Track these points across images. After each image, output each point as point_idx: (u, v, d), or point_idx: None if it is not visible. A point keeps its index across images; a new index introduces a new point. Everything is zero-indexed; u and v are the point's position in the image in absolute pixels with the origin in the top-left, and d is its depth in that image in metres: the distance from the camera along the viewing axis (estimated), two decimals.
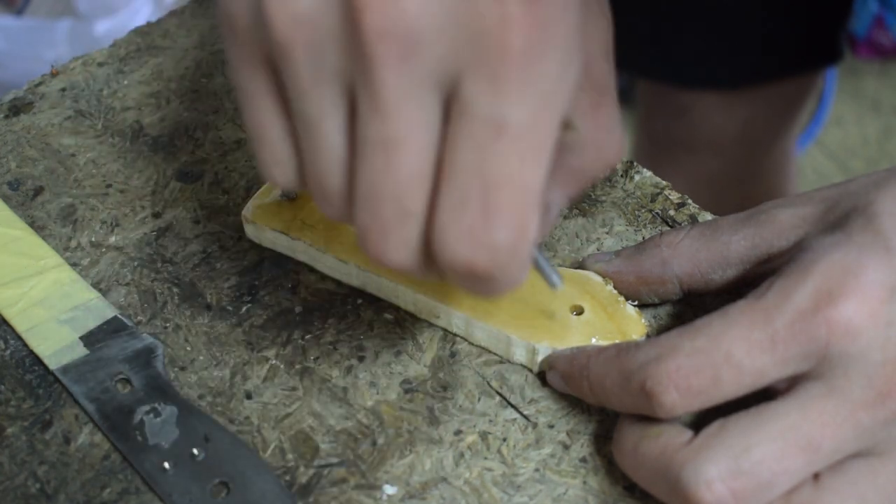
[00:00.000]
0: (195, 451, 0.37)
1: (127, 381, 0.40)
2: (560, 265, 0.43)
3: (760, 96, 0.86)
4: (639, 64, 0.87)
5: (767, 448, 0.31)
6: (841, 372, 0.32)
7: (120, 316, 0.42)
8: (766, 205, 0.38)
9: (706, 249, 0.38)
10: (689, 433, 0.34)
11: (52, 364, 0.40)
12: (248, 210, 0.44)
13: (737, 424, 0.32)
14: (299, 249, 0.43)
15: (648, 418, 0.35)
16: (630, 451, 0.35)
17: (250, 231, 0.44)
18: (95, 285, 0.43)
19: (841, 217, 0.35)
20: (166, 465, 0.37)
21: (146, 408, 0.39)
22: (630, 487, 0.36)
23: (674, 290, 0.40)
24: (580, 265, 0.41)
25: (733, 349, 0.32)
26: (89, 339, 0.41)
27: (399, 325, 0.41)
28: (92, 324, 0.41)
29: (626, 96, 1.56)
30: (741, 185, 0.93)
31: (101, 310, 0.42)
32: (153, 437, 0.38)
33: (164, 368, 0.40)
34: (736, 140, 0.89)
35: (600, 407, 0.38)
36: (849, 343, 0.31)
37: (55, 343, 0.41)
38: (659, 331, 0.41)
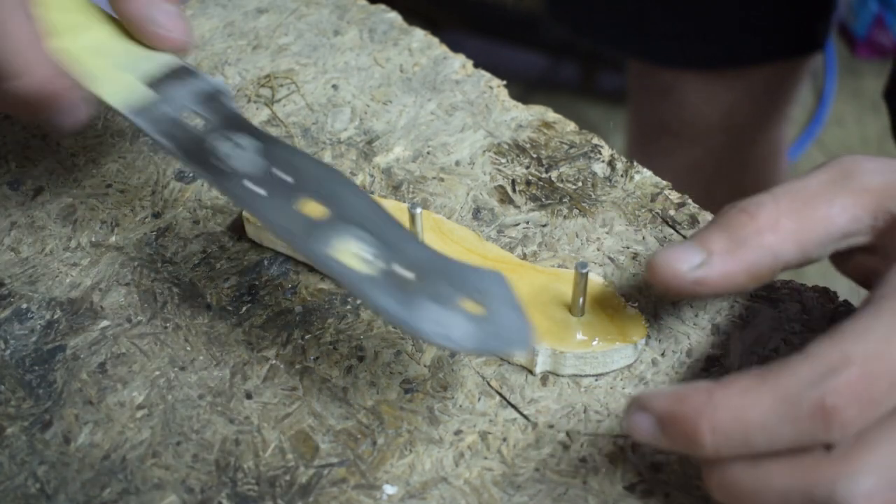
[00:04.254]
0: (284, 176, 0.37)
1: (201, 117, 0.39)
2: (560, 265, 0.43)
3: (741, 82, 0.86)
4: (621, 40, 0.88)
5: None
6: None
7: (182, 62, 0.41)
8: (843, 164, 0.35)
9: (809, 230, 0.34)
10: (816, 448, 0.31)
11: (122, 107, 0.39)
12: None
13: (879, 433, 0.30)
14: None
15: None
16: (744, 474, 0.31)
17: (251, 231, 0.44)
18: (95, 285, 0.43)
19: None
20: (258, 189, 0.37)
21: (227, 140, 0.39)
22: (630, 487, 0.36)
23: (775, 276, 0.36)
24: (654, 274, 0.35)
25: None
26: (154, 83, 0.40)
27: None
28: (154, 69, 0.41)
29: (621, 97, 1.56)
30: (729, 175, 0.93)
31: (160, 56, 0.41)
32: (240, 167, 0.38)
33: (236, 107, 0.40)
34: (720, 127, 0.89)
35: (594, 405, 0.38)
36: None
37: (120, 88, 0.40)
38: (660, 332, 0.41)
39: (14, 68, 0.37)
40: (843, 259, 0.38)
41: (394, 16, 0.55)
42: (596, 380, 0.39)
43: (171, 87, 0.40)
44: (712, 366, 0.39)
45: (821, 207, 0.34)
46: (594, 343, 0.39)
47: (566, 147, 0.48)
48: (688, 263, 0.34)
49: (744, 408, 0.30)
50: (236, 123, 0.39)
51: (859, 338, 0.30)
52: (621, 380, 0.39)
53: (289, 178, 0.37)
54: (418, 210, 0.40)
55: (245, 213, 0.44)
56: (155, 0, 0.40)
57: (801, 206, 0.35)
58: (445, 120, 0.49)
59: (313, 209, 0.37)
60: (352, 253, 0.35)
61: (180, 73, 0.41)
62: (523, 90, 1.59)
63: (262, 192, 0.37)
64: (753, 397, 0.30)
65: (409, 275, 0.35)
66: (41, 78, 0.37)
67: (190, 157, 0.38)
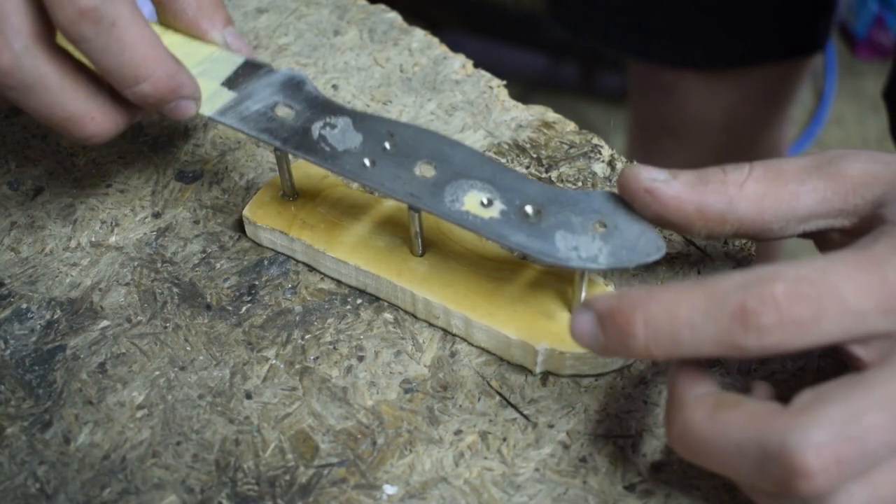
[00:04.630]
0: (386, 145, 0.39)
1: (288, 107, 0.41)
2: None
3: (742, 82, 0.86)
4: (621, 40, 0.88)
5: (877, 416, 0.30)
6: None
7: (250, 59, 0.43)
8: (827, 155, 0.36)
9: (773, 197, 0.36)
10: (774, 403, 0.32)
11: (206, 111, 0.41)
12: (248, 210, 0.44)
13: (836, 392, 0.31)
14: (299, 249, 0.43)
15: (716, 394, 0.33)
16: (702, 424, 0.32)
17: (251, 231, 0.44)
18: (95, 285, 0.43)
19: None
20: (366, 162, 0.39)
21: (319, 123, 0.40)
22: (630, 487, 0.36)
23: (728, 231, 0.37)
24: (621, 174, 0.37)
25: (840, 285, 0.31)
26: (230, 83, 0.42)
27: (399, 325, 0.41)
28: (226, 71, 0.42)
29: (621, 97, 1.57)
30: None
31: (228, 58, 0.43)
32: (340, 145, 0.40)
33: (317, 90, 0.41)
34: (721, 128, 0.89)
35: (594, 405, 0.38)
36: None
37: (206, 95, 0.41)
38: None
39: (140, 73, 0.38)
40: (825, 242, 0.39)
41: (394, 16, 0.55)
42: (596, 380, 0.39)
43: (249, 84, 0.42)
44: (712, 365, 0.39)
45: (791, 183, 0.36)
46: None
47: (566, 147, 0.48)
48: (649, 175, 0.36)
49: (676, 304, 0.32)
50: (321, 105, 0.41)
51: (798, 264, 0.31)
52: (621, 380, 0.39)
53: (389, 146, 0.39)
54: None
55: (245, 213, 0.44)
56: (223, 26, 0.43)
57: (772, 177, 0.36)
58: (445, 120, 0.49)
59: (423, 170, 0.39)
60: (474, 201, 0.38)
61: (250, 69, 0.42)
62: (523, 90, 1.59)
63: (370, 164, 0.39)
64: (685, 295, 0.32)
65: (530, 209, 0.37)
66: (163, 77, 0.39)
67: (291, 146, 0.40)
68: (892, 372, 0.31)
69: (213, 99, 0.41)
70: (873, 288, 0.31)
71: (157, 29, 0.44)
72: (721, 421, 0.31)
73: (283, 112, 0.41)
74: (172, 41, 0.43)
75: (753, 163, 0.36)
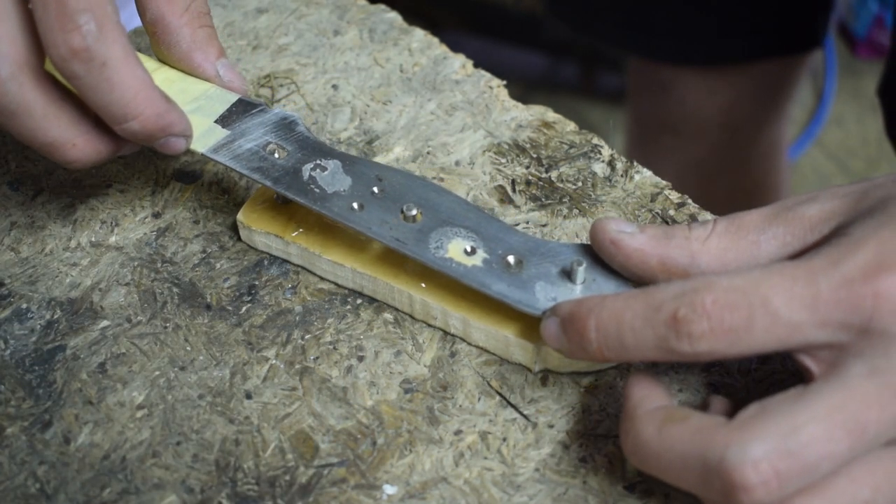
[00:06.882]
0: (374, 189, 0.40)
1: (279, 147, 0.41)
2: None
3: (740, 79, 0.86)
4: (620, 37, 0.89)
5: (815, 428, 0.30)
6: (882, 351, 0.31)
7: (244, 98, 0.43)
8: (788, 202, 0.37)
9: (735, 249, 0.37)
10: (720, 417, 0.33)
11: (199, 148, 0.41)
12: (242, 214, 0.44)
13: (779, 405, 0.31)
14: (294, 253, 0.43)
15: (666, 408, 0.34)
16: (651, 437, 0.33)
17: (245, 235, 0.44)
18: (95, 285, 0.43)
19: (876, 204, 0.34)
20: (354, 205, 0.40)
21: (310, 165, 0.41)
22: (630, 487, 0.36)
23: None
24: (592, 226, 0.39)
25: (772, 296, 0.32)
26: (224, 121, 0.42)
27: (398, 325, 0.41)
28: (220, 108, 0.43)
29: (621, 97, 1.57)
30: (729, 173, 0.94)
31: (223, 96, 0.43)
32: (330, 187, 0.40)
33: (309, 131, 0.42)
34: (720, 125, 0.90)
35: (594, 405, 0.38)
36: (894, 320, 0.31)
37: (199, 132, 0.42)
38: None
39: (128, 112, 0.38)
40: None
41: (394, 16, 0.55)
42: (596, 380, 0.39)
43: (242, 122, 0.42)
44: (713, 366, 0.39)
45: (751, 234, 0.37)
46: None
47: (566, 147, 0.48)
48: (617, 227, 0.38)
49: (622, 310, 0.34)
50: (312, 146, 0.42)
51: (734, 275, 0.33)
52: (621, 380, 0.39)
53: (377, 190, 0.40)
54: None
55: (239, 217, 0.44)
56: (216, 58, 0.44)
57: (734, 230, 0.37)
58: (445, 120, 0.49)
59: (410, 215, 0.39)
60: (458, 249, 0.39)
61: (244, 107, 0.43)
62: (523, 90, 1.59)
63: (358, 207, 0.40)
64: (630, 303, 0.34)
65: (512, 259, 0.38)
66: (152, 116, 0.39)
67: (282, 186, 0.40)
68: (835, 384, 0.31)
69: (206, 136, 0.42)
70: (806, 300, 0.32)
71: (154, 64, 0.44)
72: (668, 435, 0.33)
73: (276, 152, 0.41)
74: (168, 76, 0.43)
75: (717, 218, 0.38)
